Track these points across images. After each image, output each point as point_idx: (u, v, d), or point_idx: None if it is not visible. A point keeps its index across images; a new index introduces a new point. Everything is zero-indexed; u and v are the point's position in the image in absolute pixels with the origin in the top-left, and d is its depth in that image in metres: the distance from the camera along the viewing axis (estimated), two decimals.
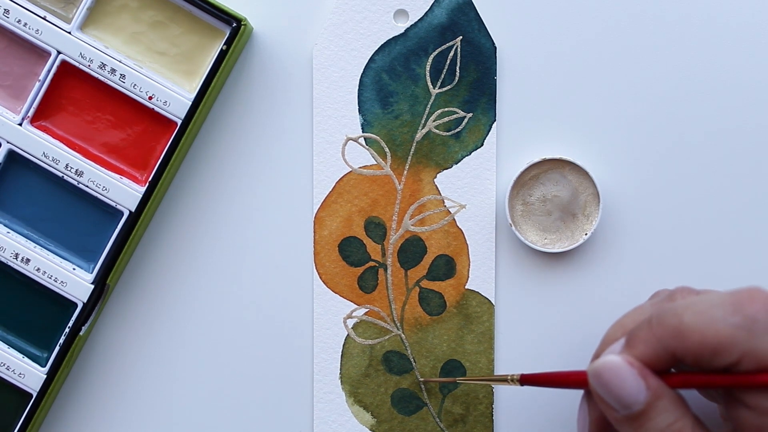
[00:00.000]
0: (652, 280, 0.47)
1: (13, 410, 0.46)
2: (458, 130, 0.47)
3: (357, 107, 0.47)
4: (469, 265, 0.47)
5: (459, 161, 0.47)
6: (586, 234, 0.46)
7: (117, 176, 0.45)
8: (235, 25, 0.44)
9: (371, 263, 0.47)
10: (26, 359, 0.45)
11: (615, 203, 0.47)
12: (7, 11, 0.45)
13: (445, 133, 0.47)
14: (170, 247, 0.47)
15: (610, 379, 0.37)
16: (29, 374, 0.45)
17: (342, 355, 0.47)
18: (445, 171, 0.47)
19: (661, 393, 0.36)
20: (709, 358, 0.35)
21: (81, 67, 0.45)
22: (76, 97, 0.46)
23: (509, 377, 0.42)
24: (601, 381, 0.37)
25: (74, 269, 0.45)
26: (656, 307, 0.39)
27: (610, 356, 0.37)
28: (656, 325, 0.36)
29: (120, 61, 0.45)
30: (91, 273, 0.45)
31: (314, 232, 0.47)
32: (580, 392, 0.46)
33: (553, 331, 0.47)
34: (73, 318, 0.45)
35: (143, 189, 0.45)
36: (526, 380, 0.41)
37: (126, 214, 0.45)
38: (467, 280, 0.47)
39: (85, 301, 0.45)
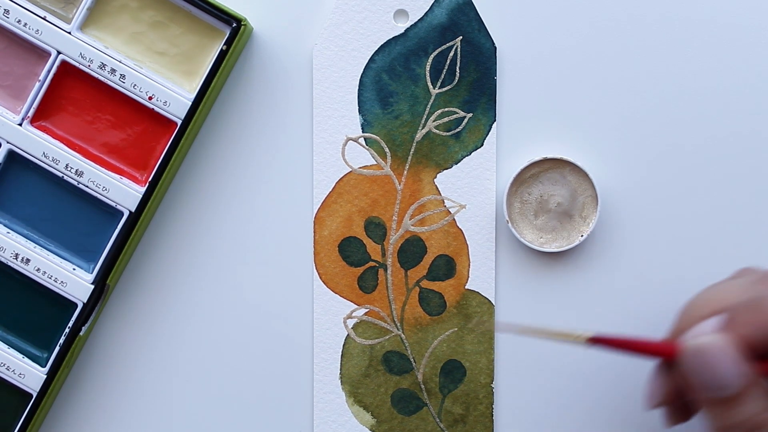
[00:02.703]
0: (653, 280, 0.47)
1: (13, 410, 0.46)
2: (458, 130, 0.47)
3: (357, 107, 0.47)
4: (469, 265, 0.47)
5: (459, 161, 0.47)
6: (582, 235, 0.46)
7: (117, 176, 0.45)
8: (235, 25, 0.44)
9: (371, 263, 0.47)
10: (26, 359, 0.45)
11: (613, 203, 0.47)
12: (7, 11, 0.45)
13: (445, 133, 0.47)
14: (170, 247, 0.47)
15: (708, 360, 0.35)
16: (29, 374, 0.45)
17: (342, 355, 0.47)
18: (445, 171, 0.47)
19: (756, 380, 0.35)
20: None
21: (81, 67, 0.45)
22: (76, 97, 0.46)
23: (576, 335, 0.39)
24: (699, 360, 0.35)
25: (74, 269, 0.45)
26: (754, 288, 0.38)
27: (713, 336, 0.35)
28: (764, 308, 0.35)
29: (120, 61, 0.45)
30: (91, 273, 0.45)
31: (314, 232, 0.47)
32: (579, 396, 0.47)
33: None
34: (73, 318, 0.45)
35: (143, 189, 0.45)
36: (596, 341, 0.38)
37: (126, 214, 0.45)
38: (467, 280, 0.47)
39: (85, 301, 0.45)
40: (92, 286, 0.45)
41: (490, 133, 0.47)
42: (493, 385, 0.47)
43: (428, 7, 0.46)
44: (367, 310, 0.47)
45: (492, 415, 0.47)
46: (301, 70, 0.47)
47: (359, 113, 0.47)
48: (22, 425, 0.45)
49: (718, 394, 0.35)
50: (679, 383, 0.38)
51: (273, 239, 0.47)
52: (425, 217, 0.47)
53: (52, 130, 0.46)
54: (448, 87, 0.47)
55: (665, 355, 0.38)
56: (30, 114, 0.45)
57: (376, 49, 0.46)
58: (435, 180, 0.47)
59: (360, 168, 0.47)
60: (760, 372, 0.36)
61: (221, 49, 0.44)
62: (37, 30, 0.45)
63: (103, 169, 0.45)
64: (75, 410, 0.47)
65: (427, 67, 0.46)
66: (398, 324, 0.47)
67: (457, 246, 0.47)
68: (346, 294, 0.47)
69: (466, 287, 0.47)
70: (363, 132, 0.47)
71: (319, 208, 0.47)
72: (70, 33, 0.45)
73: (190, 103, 0.45)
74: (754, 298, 0.36)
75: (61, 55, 0.45)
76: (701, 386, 0.36)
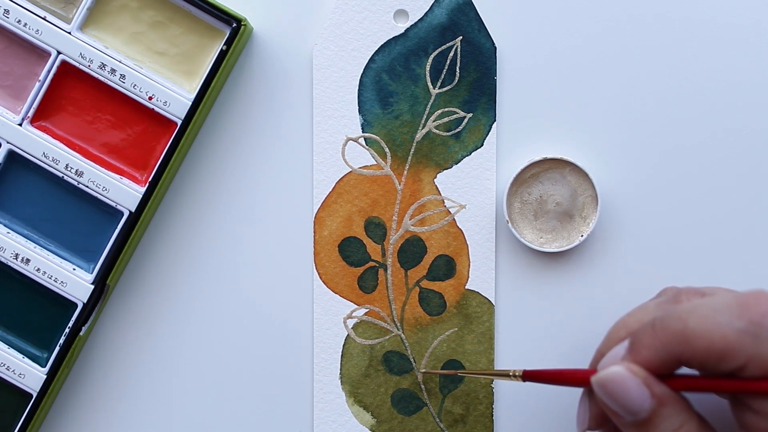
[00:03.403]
0: (653, 280, 0.47)
1: (13, 410, 0.46)
2: (458, 130, 0.47)
3: (357, 107, 0.47)
4: (469, 265, 0.47)
5: (459, 161, 0.47)
6: (582, 236, 0.46)
7: (117, 176, 0.45)
8: (235, 25, 0.44)
9: (371, 263, 0.47)
10: (26, 359, 0.45)
11: (613, 203, 0.47)
12: (7, 11, 0.45)
13: (445, 133, 0.47)
14: (170, 247, 0.47)
15: (614, 390, 0.37)
16: (29, 374, 0.45)
17: (342, 355, 0.47)
18: (445, 171, 0.47)
19: (665, 399, 0.37)
20: (715, 362, 0.35)
21: (81, 67, 0.45)
22: (76, 97, 0.46)
23: (511, 372, 0.42)
24: (606, 391, 0.37)
25: (74, 269, 0.45)
26: (660, 309, 0.39)
27: (614, 367, 0.37)
28: (660, 329, 0.36)
29: (120, 62, 0.45)
30: (91, 273, 0.45)
31: (314, 232, 0.47)
32: (579, 390, 0.46)
33: (554, 331, 0.47)
34: (73, 318, 0.45)
35: (143, 189, 0.45)
36: (528, 376, 0.41)
37: (126, 214, 0.45)
38: (467, 280, 0.47)
39: (85, 301, 0.45)
40: (92, 286, 0.45)
41: (490, 133, 0.47)
42: (493, 385, 0.47)
43: (428, 7, 0.46)
44: (367, 310, 0.47)
45: (492, 415, 0.47)
46: (301, 70, 0.47)
47: (359, 113, 0.47)
48: (22, 425, 0.45)
49: (633, 419, 0.37)
50: (601, 409, 0.40)
51: (273, 239, 0.47)
52: (425, 217, 0.47)
53: (52, 130, 0.46)
54: (448, 87, 0.47)
55: (584, 385, 0.40)
56: (30, 114, 0.45)
57: (376, 49, 0.46)
58: (435, 180, 0.47)
59: (360, 168, 0.47)
60: (673, 388, 0.37)
61: (221, 49, 0.44)
62: (37, 30, 0.45)
63: (103, 169, 0.45)
64: (75, 410, 0.47)
65: (427, 67, 0.46)
66: (398, 324, 0.47)
67: (457, 246, 0.47)
68: (346, 294, 0.47)
69: (466, 287, 0.47)
70: (363, 132, 0.47)
71: (319, 208, 0.47)
72: (70, 33, 0.45)
73: (190, 103, 0.45)
74: (653, 319, 0.37)
75: (61, 55, 0.45)
76: (614, 414, 0.37)
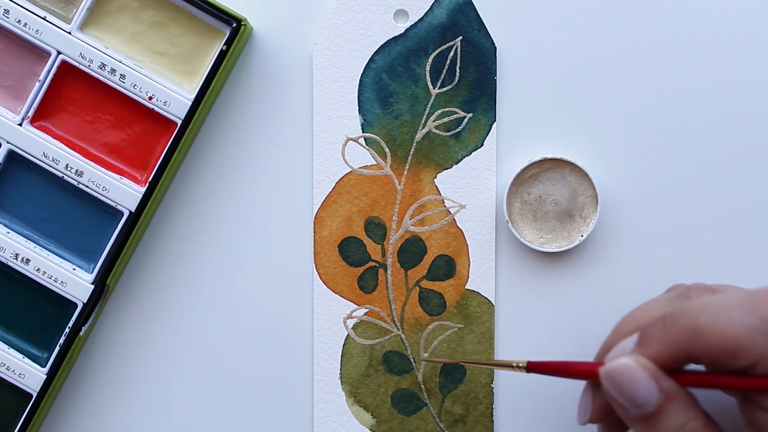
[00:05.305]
0: (653, 280, 0.47)
1: (13, 410, 0.46)
2: (458, 130, 0.47)
3: (357, 107, 0.47)
4: (469, 265, 0.47)
5: (459, 161, 0.47)
6: (582, 236, 0.46)
7: (117, 176, 0.45)
8: (235, 25, 0.44)
9: (371, 263, 0.47)
10: (26, 359, 0.45)
11: (613, 203, 0.47)
12: (7, 11, 0.45)
13: (445, 133, 0.47)
14: (170, 247, 0.47)
15: (622, 382, 0.36)
16: (29, 374, 0.45)
17: (342, 355, 0.47)
18: (445, 171, 0.47)
19: (673, 395, 0.36)
20: (726, 360, 0.35)
21: (81, 67, 0.45)
22: (76, 97, 0.46)
23: (515, 363, 0.41)
24: (614, 383, 0.37)
25: (74, 269, 0.45)
26: (671, 304, 0.39)
27: (623, 359, 0.37)
28: (671, 324, 0.36)
29: (120, 61, 0.45)
30: (91, 273, 0.45)
31: (314, 232, 0.47)
32: (580, 388, 0.46)
33: (554, 331, 0.47)
34: (73, 318, 0.45)
35: (143, 189, 0.45)
36: (532, 368, 0.40)
37: (126, 214, 0.45)
38: (467, 280, 0.47)
39: (85, 301, 0.45)
40: (92, 286, 0.45)
41: (490, 133, 0.47)
42: (493, 385, 0.47)
43: (428, 7, 0.46)
44: (367, 310, 0.47)
45: (492, 415, 0.47)
46: (301, 70, 0.47)
47: (359, 113, 0.47)
48: (22, 425, 0.45)
49: (639, 412, 0.37)
50: (606, 401, 0.39)
51: (273, 239, 0.47)
52: (425, 217, 0.47)
53: (52, 130, 0.46)
54: (448, 87, 0.47)
55: (590, 377, 0.39)
56: (30, 114, 0.45)
57: (376, 49, 0.46)
58: (435, 180, 0.47)
59: (360, 168, 0.47)
60: (681, 384, 0.37)
61: (221, 49, 0.44)
62: (37, 30, 0.45)
63: (103, 169, 0.45)
64: (75, 410, 0.47)
65: (427, 67, 0.47)
66: (398, 324, 0.47)
67: (457, 246, 0.47)
68: (346, 294, 0.47)
69: (466, 287, 0.47)
70: (363, 132, 0.47)
71: (319, 208, 0.47)
72: (70, 33, 0.45)
73: (190, 103, 0.45)
74: (663, 315, 0.37)
75: (61, 55, 0.45)
76: (621, 406, 0.37)
